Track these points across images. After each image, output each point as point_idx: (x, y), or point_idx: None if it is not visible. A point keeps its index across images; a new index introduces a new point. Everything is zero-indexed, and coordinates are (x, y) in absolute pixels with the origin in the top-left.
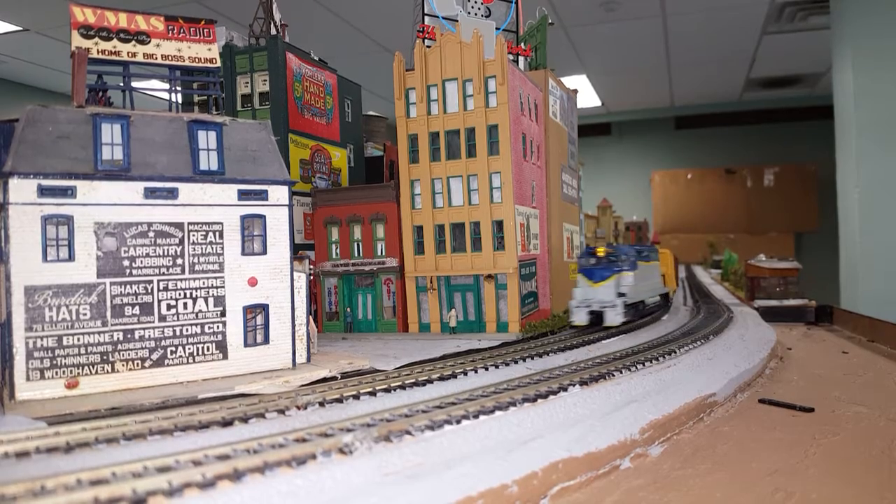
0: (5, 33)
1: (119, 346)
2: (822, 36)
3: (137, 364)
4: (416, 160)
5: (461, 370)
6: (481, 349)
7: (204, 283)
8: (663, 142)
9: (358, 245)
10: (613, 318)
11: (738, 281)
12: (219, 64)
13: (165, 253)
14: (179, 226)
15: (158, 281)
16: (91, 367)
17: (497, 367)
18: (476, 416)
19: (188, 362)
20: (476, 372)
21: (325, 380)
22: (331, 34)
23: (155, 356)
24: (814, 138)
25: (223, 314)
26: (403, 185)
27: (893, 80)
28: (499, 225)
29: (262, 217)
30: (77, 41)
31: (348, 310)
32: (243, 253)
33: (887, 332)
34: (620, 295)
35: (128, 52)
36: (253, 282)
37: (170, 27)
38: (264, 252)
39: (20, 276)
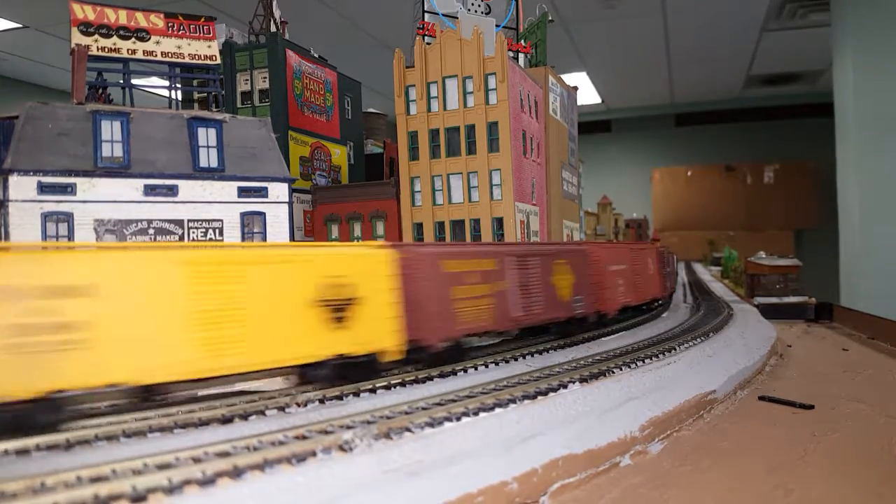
0: (5, 30)
1: None
2: (823, 33)
3: None
4: (416, 157)
5: (461, 367)
6: (481, 346)
7: None
8: (663, 139)
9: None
10: None
11: (738, 278)
12: (218, 61)
13: None
14: (179, 223)
15: None
16: None
17: (497, 364)
18: (476, 414)
19: None
20: (476, 369)
21: None
22: (331, 31)
23: None
24: (814, 135)
25: None
26: (403, 182)
27: (893, 78)
28: (499, 222)
29: (262, 214)
30: (77, 38)
31: None
32: None
33: (887, 329)
34: None
35: (128, 49)
36: None
37: (169, 24)
38: None
39: None
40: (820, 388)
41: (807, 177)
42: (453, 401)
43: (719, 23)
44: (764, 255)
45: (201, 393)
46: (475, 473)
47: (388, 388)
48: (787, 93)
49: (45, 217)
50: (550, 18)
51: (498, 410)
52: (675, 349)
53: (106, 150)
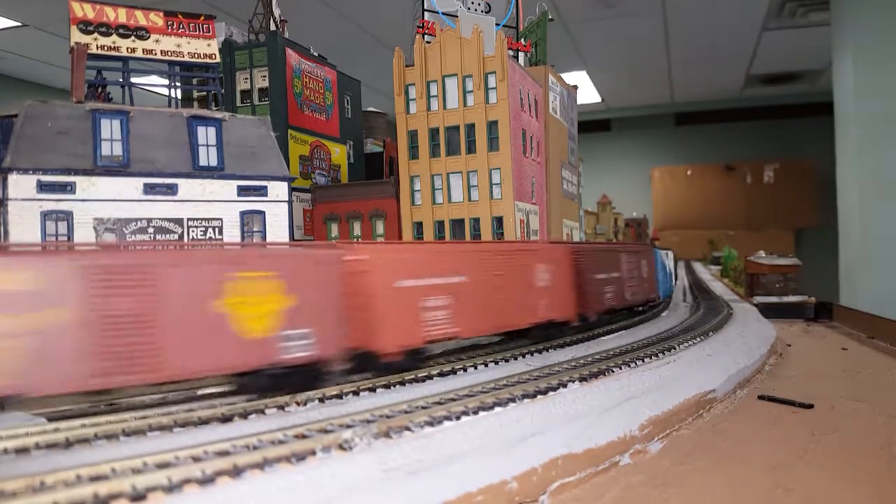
0: (4, 29)
1: None
2: (823, 32)
3: None
4: (416, 156)
5: (461, 366)
6: (482, 345)
7: None
8: (663, 138)
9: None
10: None
11: (738, 277)
12: (218, 60)
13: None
14: (179, 222)
15: None
16: None
17: (497, 363)
18: (476, 413)
19: None
20: (476, 368)
21: None
22: (330, 30)
23: None
24: (814, 135)
25: None
26: (403, 181)
27: (893, 77)
28: (499, 221)
29: (262, 213)
30: (76, 37)
31: None
32: None
33: (887, 328)
34: None
35: (127, 48)
36: None
37: (169, 23)
38: None
39: None
40: (819, 387)
41: (807, 176)
42: (453, 400)
43: (719, 23)
44: (764, 255)
45: (200, 392)
46: (475, 472)
47: (387, 386)
48: (787, 92)
49: (45, 216)
50: (550, 17)
51: (498, 409)
52: (675, 348)
53: (105, 149)
